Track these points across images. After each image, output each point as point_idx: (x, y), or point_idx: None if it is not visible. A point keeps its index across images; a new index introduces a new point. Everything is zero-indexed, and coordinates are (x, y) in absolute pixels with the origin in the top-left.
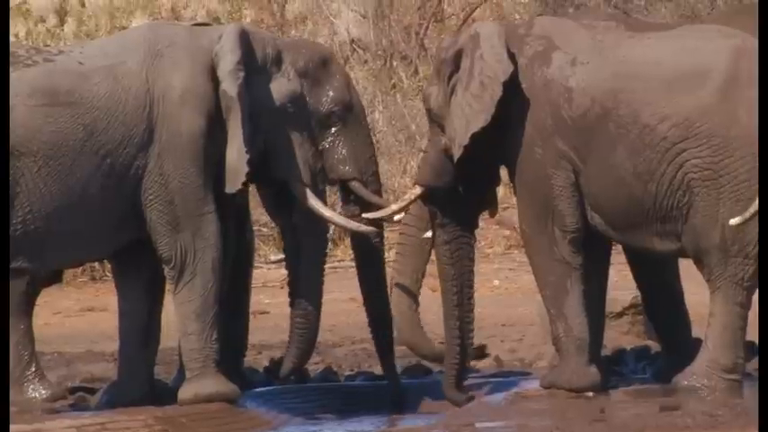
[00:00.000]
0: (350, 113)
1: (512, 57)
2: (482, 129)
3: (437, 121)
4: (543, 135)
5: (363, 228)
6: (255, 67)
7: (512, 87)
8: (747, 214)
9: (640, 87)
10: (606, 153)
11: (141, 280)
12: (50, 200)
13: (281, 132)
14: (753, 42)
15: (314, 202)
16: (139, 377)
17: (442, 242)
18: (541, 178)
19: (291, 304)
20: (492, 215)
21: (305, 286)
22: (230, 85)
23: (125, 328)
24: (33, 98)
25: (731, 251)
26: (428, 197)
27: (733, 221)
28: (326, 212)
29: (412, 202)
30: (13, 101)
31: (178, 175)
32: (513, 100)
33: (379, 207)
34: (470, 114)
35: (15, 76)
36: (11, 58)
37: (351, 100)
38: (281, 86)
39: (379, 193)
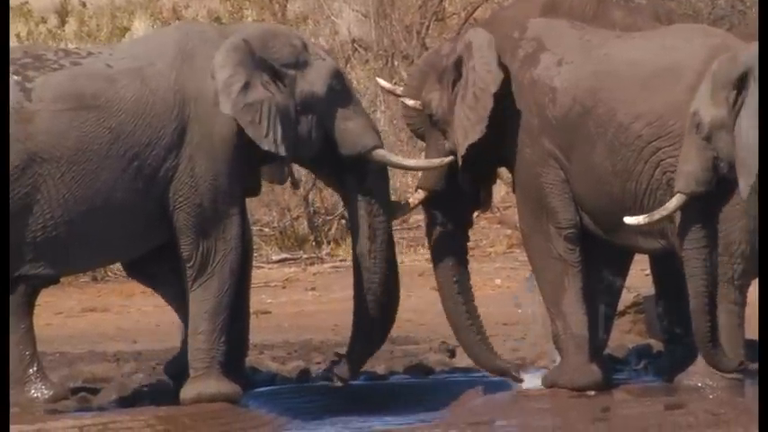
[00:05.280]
0: None
1: (501, 64)
2: (479, 140)
3: (440, 126)
4: (532, 135)
5: (437, 162)
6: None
7: (505, 92)
8: (657, 215)
9: (617, 85)
10: (587, 152)
11: (171, 272)
12: (74, 205)
13: (334, 114)
14: (736, 42)
15: (393, 156)
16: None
17: (443, 241)
18: (533, 177)
19: (361, 288)
20: (484, 210)
21: (380, 264)
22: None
23: (185, 319)
24: (58, 102)
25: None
26: (430, 200)
27: (628, 220)
28: (411, 162)
29: (415, 206)
30: (37, 106)
31: (209, 177)
32: (506, 103)
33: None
34: (468, 126)
35: (40, 80)
36: (38, 63)
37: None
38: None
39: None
